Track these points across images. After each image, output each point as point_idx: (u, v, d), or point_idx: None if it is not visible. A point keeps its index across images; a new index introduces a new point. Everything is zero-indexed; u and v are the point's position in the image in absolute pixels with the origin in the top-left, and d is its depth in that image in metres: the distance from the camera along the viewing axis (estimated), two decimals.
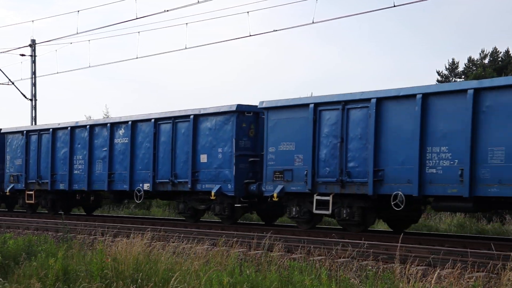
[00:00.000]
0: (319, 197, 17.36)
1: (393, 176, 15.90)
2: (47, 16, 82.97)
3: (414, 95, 15.60)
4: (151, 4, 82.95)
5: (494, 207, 16.42)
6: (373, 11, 32.65)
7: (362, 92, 16.77)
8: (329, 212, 17.19)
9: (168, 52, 73.43)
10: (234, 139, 19.34)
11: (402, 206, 15.57)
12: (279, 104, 18.41)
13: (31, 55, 36.31)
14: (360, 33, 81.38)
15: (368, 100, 16.40)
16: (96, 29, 50.02)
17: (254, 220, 24.81)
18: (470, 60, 44.70)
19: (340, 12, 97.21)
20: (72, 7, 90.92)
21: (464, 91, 14.86)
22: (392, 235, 16.90)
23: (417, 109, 15.48)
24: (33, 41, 36.40)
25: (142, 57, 78.25)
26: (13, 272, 11.73)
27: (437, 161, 15.19)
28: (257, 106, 19.16)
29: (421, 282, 8.97)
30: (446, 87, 15.94)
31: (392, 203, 15.75)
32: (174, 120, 21.18)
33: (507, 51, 43.98)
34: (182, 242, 14.83)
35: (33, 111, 36.13)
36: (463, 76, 43.40)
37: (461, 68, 45.20)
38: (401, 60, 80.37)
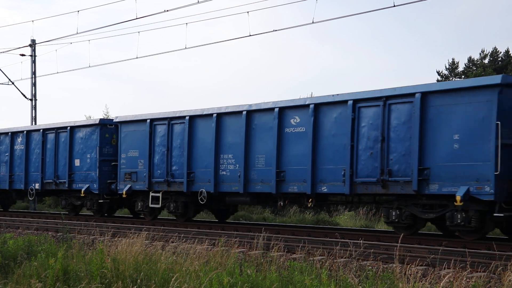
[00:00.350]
0: (153, 194, 21.69)
1: (200, 177, 20.29)
2: (47, 16, 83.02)
3: (211, 115, 20.01)
4: (151, 4, 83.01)
5: (263, 201, 20.36)
6: (373, 11, 32.65)
7: (181, 110, 21.08)
8: (159, 205, 21.58)
9: (168, 52, 73.52)
10: (98, 147, 23.69)
11: (205, 201, 19.93)
12: (128, 119, 22.83)
13: (31, 55, 36.33)
14: (360, 33, 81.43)
15: (184, 117, 20.78)
16: (96, 29, 50.13)
17: (255, 220, 24.85)
18: (470, 60, 44.72)
19: (340, 12, 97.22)
20: (72, 7, 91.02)
21: (240, 112, 19.25)
22: (391, 235, 16.91)
23: (213, 125, 19.89)
24: (33, 41, 36.41)
25: (142, 57, 78.31)
26: (13, 272, 11.73)
27: (226, 165, 19.65)
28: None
29: (421, 282, 8.97)
30: (230, 108, 19.74)
31: (199, 198, 20.02)
32: (57, 130, 25.43)
33: (507, 51, 44.00)
34: (183, 241, 14.83)
35: (33, 111, 36.16)
36: (463, 76, 43.42)
37: (461, 68, 45.23)
38: (401, 60, 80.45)
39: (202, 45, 46.16)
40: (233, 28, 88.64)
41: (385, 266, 11.64)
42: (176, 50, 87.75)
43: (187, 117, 20.59)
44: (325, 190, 17.26)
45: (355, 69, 79.62)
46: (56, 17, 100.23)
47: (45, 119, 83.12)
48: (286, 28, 55.63)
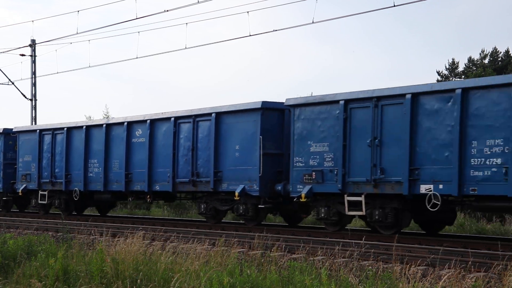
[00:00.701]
0: (41, 192, 26.20)
1: (75, 178, 24.89)
2: (47, 16, 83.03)
3: (82, 127, 24.76)
4: (151, 4, 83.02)
5: (119, 197, 24.82)
6: (373, 11, 32.69)
7: (61, 123, 26.00)
8: (46, 202, 26.09)
9: (168, 52, 73.57)
10: (2, 152, 28.02)
11: (78, 197, 24.65)
12: (23, 129, 27.69)
13: (31, 55, 36.31)
14: (360, 32, 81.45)
15: (63, 128, 25.51)
16: (96, 29, 50.20)
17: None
18: (470, 60, 44.69)
19: (340, 12, 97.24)
20: (72, 7, 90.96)
21: (101, 125, 24.05)
22: (392, 235, 16.90)
23: (83, 136, 24.61)
24: (33, 41, 36.40)
25: (142, 57, 78.33)
26: (13, 272, 11.72)
27: (93, 168, 24.29)
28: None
29: (421, 282, 8.96)
30: (95, 122, 24.94)
31: (73, 196, 24.85)
32: None
33: (507, 51, 43.97)
34: (182, 241, 14.83)
35: (33, 111, 36.16)
36: (463, 76, 43.39)
37: (461, 68, 45.20)
38: (401, 60, 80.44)
39: (202, 45, 46.31)
40: (233, 28, 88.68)
41: (385, 266, 11.63)
42: (176, 50, 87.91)
43: (65, 129, 25.38)
44: (158, 188, 21.91)
45: (356, 69, 79.67)
46: (56, 17, 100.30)
47: (45, 119, 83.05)
48: (286, 28, 55.73)
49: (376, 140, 16.49)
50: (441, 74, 45.23)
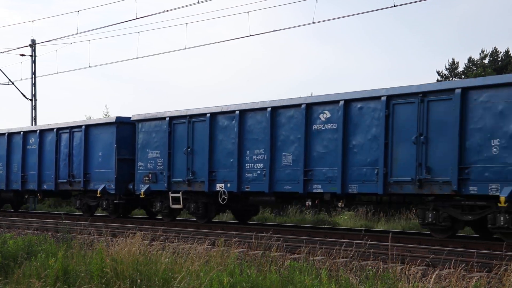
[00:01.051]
0: None
1: None
2: (47, 16, 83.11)
3: (3, 134, 28.43)
4: (151, 4, 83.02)
5: (18, 196, 29.06)
6: (373, 11, 32.74)
7: None
8: None
9: (168, 52, 73.66)
10: None
11: None
12: None
13: (31, 55, 36.33)
14: (361, 32, 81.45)
15: None
16: (96, 29, 50.26)
17: (255, 220, 24.84)
18: (470, 60, 44.71)
19: (340, 12, 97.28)
20: (72, 7, 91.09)
21: (4, 134, 28.15)
22: (391, 235, 16.88)
23: (4, 142, 28.52)
24: (33, 41, 36.42)
25: (142, 57, 78.34)
26: (13, 272, 11.71)
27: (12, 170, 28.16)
28: None
29: (421, 282, 8.96)
30: (8, 130, 28.72)
31: None
32: None
33: (507, 51, 43.98)
34: (182, 242, 14.82)
35: (33, 111, 36.18)
36: (463, 76, 43.38)
37: (461, 68, 45.20)
38: (401, 60, 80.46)
39: (202, 45, 46.34)
40: (233, 28, 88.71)
41: (385, 266, 11.63)
42: (176, 50, 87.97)
43: None
44: (45, 187, 26.46)
45: (356, 69, 79.72)
46: (56, 17, 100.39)
47: (45, 119, 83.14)
48: (287, 28, 55.73)
49: (189, 149, 20.99)
50: (441, 74, 45.24)
